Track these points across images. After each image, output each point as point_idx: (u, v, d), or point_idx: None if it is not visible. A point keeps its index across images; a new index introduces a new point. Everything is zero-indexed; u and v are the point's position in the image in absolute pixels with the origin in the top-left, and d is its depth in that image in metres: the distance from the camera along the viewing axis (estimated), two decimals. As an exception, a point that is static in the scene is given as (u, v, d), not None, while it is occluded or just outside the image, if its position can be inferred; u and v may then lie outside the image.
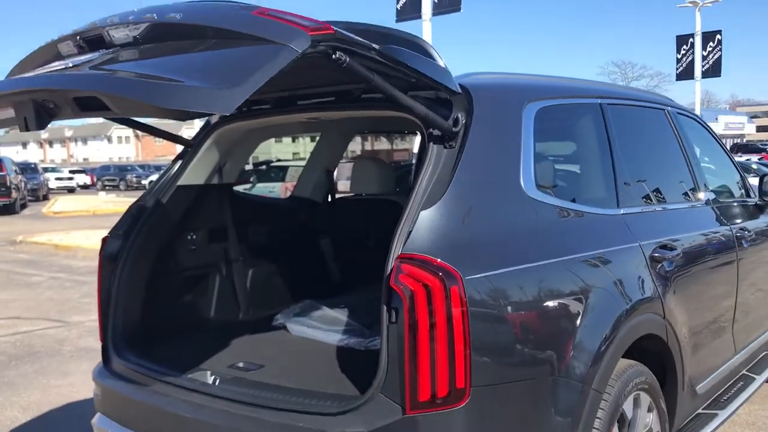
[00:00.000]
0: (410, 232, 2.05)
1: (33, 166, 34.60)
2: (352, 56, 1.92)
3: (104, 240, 2.91)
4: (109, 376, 2.74)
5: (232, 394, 2.33)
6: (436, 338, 1.97)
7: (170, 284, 3.08)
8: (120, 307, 2.83)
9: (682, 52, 29.88)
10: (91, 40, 2.14)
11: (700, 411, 3.40)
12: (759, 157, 32.88)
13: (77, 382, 4.96)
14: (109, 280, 2.84)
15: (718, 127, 66.88)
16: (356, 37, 1.92)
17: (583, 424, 2.24)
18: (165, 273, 3.03)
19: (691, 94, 30.50)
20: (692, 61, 29.45)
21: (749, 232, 3.79)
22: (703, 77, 29.56)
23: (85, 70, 2.03)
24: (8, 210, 22.40)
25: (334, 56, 1.87)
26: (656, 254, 2.79)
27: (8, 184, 22.44)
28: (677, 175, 3.48)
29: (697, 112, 30.99)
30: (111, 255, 2.86)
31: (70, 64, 2.12)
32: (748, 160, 28.41)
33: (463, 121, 2.28)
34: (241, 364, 2.66)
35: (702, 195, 3.52)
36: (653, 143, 3.46)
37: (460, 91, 2.27)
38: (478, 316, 2.02)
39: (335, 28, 1.86)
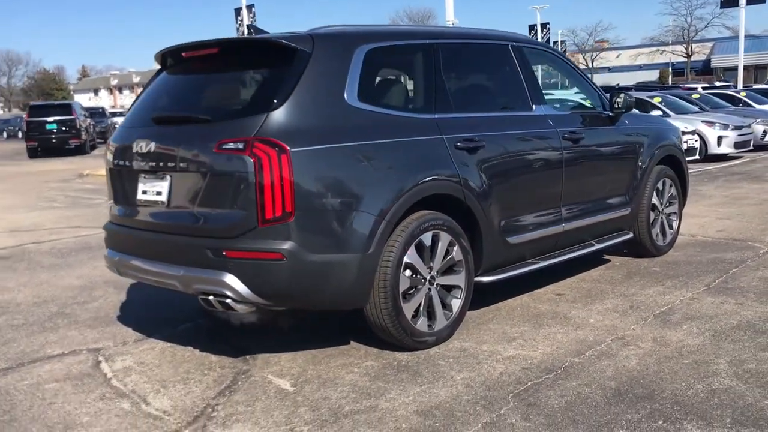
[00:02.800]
0: (263, 124, 3.51)
1: (101, 110, 37.10)
2: None
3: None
4: (111, 227, 4.37)
5: (180, 227, 3.86)
6: (274, 184, 3.44)
7: None
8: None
9: (728, -22, 29.42)
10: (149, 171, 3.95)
11: (530, 260, 4.78)
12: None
13: (117, 263, 6.70)
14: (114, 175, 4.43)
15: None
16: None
17: (377, 242, 3.65)
18: None
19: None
20: (737, -12, 29.01)
21: (581, 134, 5.02)
22: (748, 4, 29.15)
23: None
24: (79, 150, 24.76)
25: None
26: (459, 144, 4.14)
27: (78, 127, 24.67)
28: (508, 92, 4.77)
29: (741, 38, 30.71)
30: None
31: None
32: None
33: (306, 59, 3.70)
34: None
35: (534, 107, 4.80)
36: (487, 70, 4.78)
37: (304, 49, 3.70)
38: (300, 171, 3.46)
39: (259, 137, 3.46)
